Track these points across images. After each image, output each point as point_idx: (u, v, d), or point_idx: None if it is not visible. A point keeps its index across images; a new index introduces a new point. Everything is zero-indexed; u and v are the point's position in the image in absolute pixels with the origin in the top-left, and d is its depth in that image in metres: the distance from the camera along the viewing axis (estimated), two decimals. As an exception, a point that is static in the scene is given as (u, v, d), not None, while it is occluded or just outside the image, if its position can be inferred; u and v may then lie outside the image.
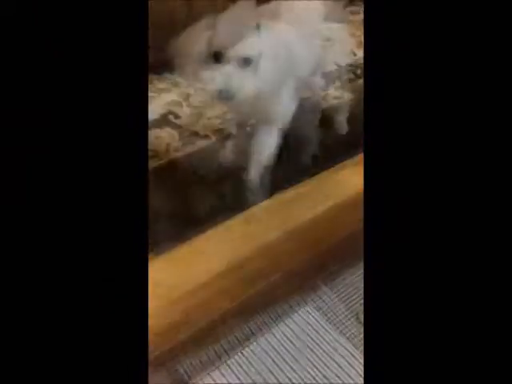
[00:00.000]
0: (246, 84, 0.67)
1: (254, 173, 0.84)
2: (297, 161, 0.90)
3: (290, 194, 0.84)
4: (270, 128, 0.81)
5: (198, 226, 0.80)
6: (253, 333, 0.79)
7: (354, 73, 1.08)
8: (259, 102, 0.73)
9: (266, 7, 0.77)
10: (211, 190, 0.84)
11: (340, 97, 1.03)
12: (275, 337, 0.79)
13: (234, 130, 0.93)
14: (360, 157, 0.91)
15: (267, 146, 0.82)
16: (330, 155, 0.91)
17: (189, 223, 0.80)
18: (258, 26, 0.67)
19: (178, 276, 0.72)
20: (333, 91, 1.05)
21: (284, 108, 0.80)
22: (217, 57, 0.67)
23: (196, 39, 0.68)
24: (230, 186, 0.85)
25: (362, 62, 1.12)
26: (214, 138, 0.94)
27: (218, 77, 0.66)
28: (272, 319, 0.80)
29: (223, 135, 0.95)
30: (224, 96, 0.67)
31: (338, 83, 1.07)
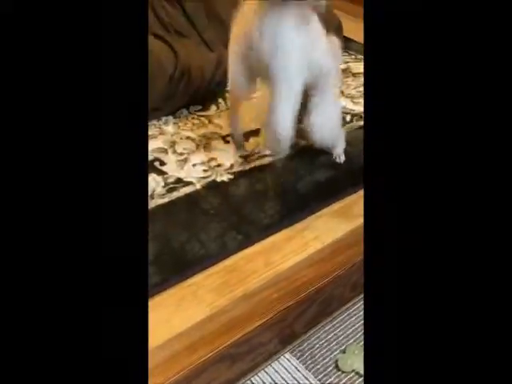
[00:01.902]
0: None
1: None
2: (275, 210, 0.92)
3: (269, 241, 0.87)
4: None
5: (180, 273, 0.81)
6: (233, 381, 0.79)
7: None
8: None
9: None
10: (194, 237, 0.86)
11: (294, 145, 1.05)
12: (255, 385, 0.80)
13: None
14: (338, 205, 0.94)
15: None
16: (308, 203, 0.93)
17: (171, 270, 0.81)
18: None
19: (159, 323, 0.73)
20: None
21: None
22: None
23: None
24: (212, 234, 0.87)
25: (343, 110, 1.15)
26: (198, 185, 0.96)
27: None
28: (251, 367, 0.81)
29: (207, 182, 0.97)
30: None
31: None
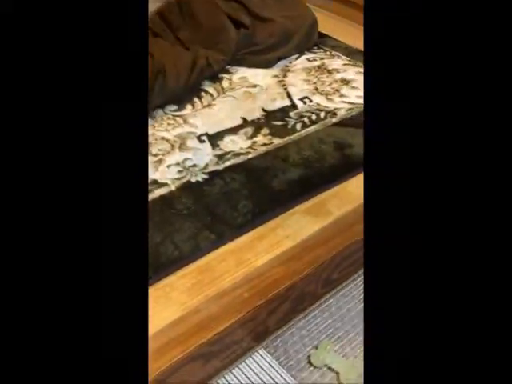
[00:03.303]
0: None
1: None
2: (248, 208, 0.92)
3: (241, 240, 0.88)
4: None
5: (154, 275, 0.82)
6: (207, 379, 0.81)
7: (310, 118, 1.13)
8: None
9: None
10: (168, 239, 0.87)
11: (268, 143, 1.06)
12: (229, 382, 0.81)
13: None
14: (310, 203, 0.95)
15: None
16: (280, 202, 0.94)
17: (145, 271, 0.82)
18: None
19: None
20: (261, 138, 1.08)
21: None
22: None
23: None
24: (186, 234, 0.88)
25: (317, 107, 1.17)
26: (172, 186, 0.97)
27: None
28: (225, 364, 0.82)
29: (182, 183, 0.98)
30: None
31: (265, 130, 1.10)
